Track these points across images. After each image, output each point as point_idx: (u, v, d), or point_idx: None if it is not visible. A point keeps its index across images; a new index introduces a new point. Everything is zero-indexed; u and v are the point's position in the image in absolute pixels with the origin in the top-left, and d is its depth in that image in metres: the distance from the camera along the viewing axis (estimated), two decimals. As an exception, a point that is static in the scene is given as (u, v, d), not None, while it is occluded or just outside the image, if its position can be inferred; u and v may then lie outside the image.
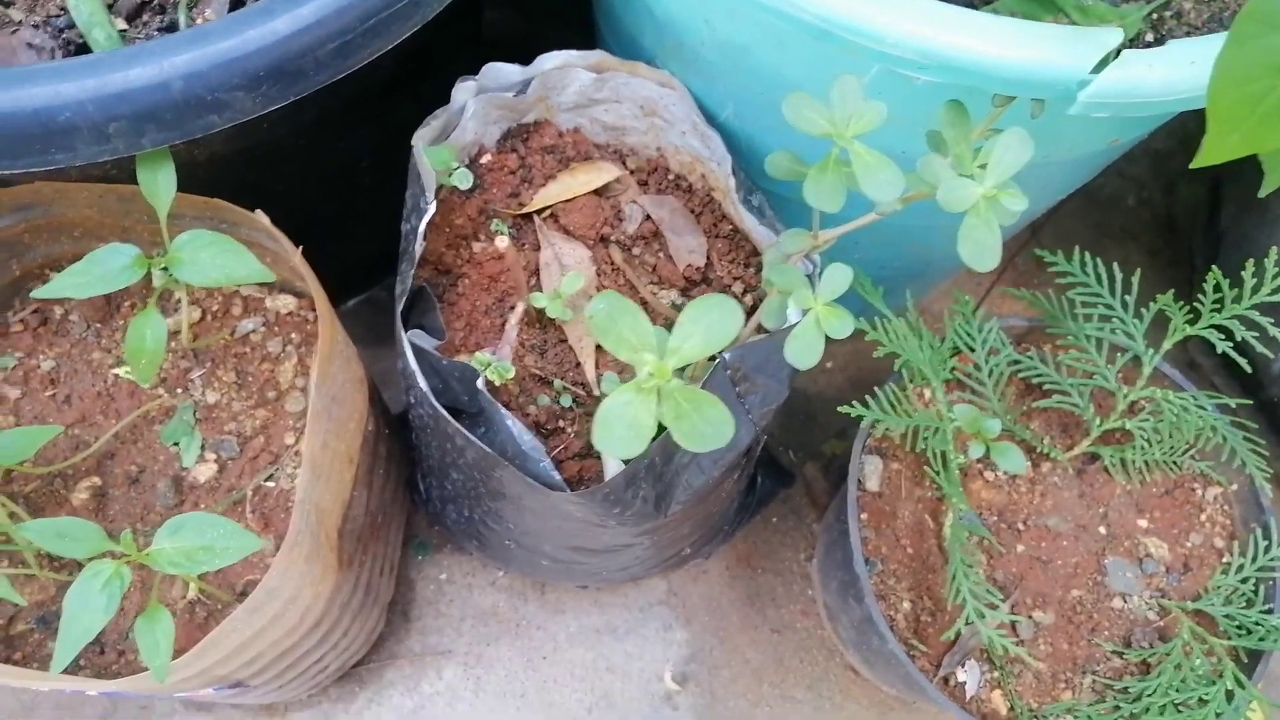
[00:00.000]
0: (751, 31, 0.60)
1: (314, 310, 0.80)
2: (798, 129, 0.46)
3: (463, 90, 0.69)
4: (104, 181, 0.68)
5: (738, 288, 0.78)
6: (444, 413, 0.61)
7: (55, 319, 0.77)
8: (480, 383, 0.62)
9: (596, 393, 0.73)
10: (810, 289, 0.56)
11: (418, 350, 0.63)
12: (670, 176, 0.80)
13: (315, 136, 0.74)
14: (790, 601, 1.05)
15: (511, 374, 0.65)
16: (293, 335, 0.79)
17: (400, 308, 0.63)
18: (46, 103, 0.52)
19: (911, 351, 0.75)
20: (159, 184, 0.58)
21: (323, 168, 0.80)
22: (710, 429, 0.43)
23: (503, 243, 0.67)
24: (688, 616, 1.03)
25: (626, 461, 0.62)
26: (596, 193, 0.78)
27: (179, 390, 0.76)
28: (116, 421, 0.74)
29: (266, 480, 0.74)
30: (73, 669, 0.67)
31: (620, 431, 0.46)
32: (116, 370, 0.76)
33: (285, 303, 0.79)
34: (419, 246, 0.64)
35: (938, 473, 0.75)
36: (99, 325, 0.77)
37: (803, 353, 0.52)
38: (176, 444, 0.74)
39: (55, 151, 0.55)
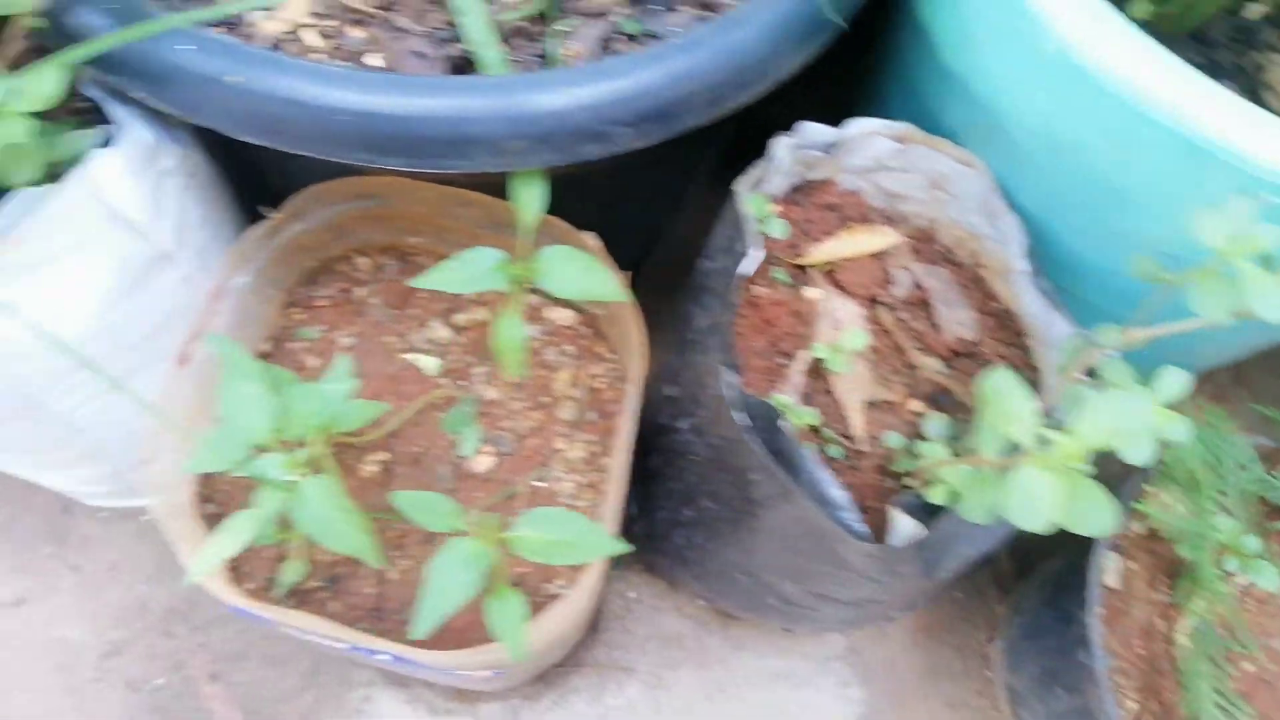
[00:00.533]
0: (1095, 133, 0.63)
1: (589, 327, 0.85)
2: (1196, 237, 0.48)
3: (780, 145, 0.73)
4: (445, 184, 0.74)
5: (1001, 366, 0.79)
6: (757, 446, 0.64)
7: (357, 299, 0.83)
8: (785, 425, 0.65)
9: (864, 448, 0.75)
10: (1136, 386, 0.57)
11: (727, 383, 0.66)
12: (938, 248, 0.83)
13: (627, 168, 0.79)
14: (967, 679, 1.04)
15: (811, 420, 0.68)
16: (568, 348, 0.83)
17: (716, 342, 0.67)
18: (461, 114, 0.58)
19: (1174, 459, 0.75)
20: (530, 199, 0.64)
21: (620, 196, 0.85)
22: (1093, 514, 0.45)
23: (814, 293, 0.70)
24: (865, 676, 1.03)
25: (928, 524, 0.64)
26: (871, 255, 0.81)
27: (461, 383, 0.82)
28: (402, 403, 0.80)
29: (536, 480, 0.78)
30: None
31: (1028, 503, 0.49)
32: (406, 355, 0.82)
33: (564, 316, 0.84)
34: (736, 288, 0.67)
35: (1189, 579, 0.75)
36: (395, 311, 0.83)
37: (1139, 451, 0.53)
38: (457, 432, 0.80)
39: (452, 158, 0.60)
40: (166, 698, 0.96)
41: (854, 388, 0.77)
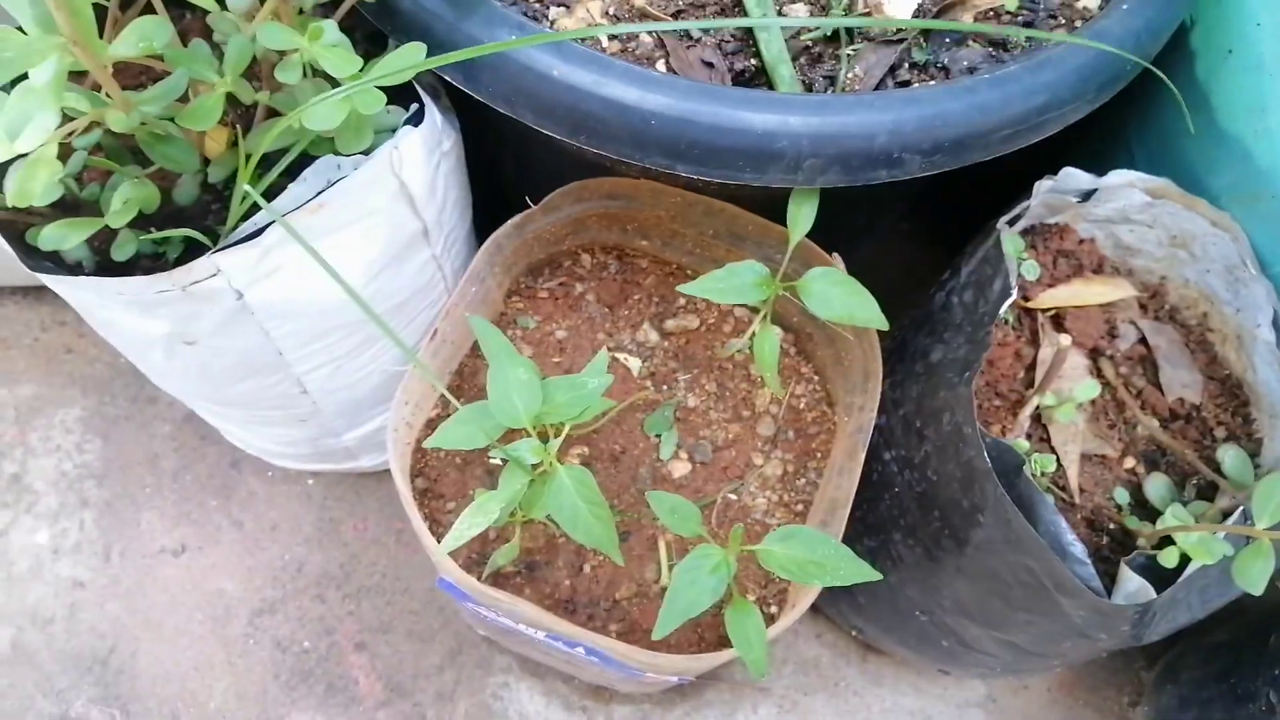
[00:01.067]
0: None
1: (796, 346, 0.85)
2: None
3: (1041, 188, 0.73)
4: (685, 188, 0.74)
5: (1220, 432, 0.78)
6: (997, 490, 0.63)
7: (575, 294, 0.84)
8: (1027, 471, 0.64)
9: (1076, 500, 0.74)
10: None
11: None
12: (1166, 307, 0.82)
13: (866, 194, 0.79)
14: (1104, 742, 1.02)
15: (1048, 467, 0.67)
16: (774, 364, 0.83)
17: (965, 379, 0.66)
18: (774, 129, 0.58)
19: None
20: (801, 217, 0.64)
21: (842, 215, 0.84)
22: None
23: (1064, 340, 0.69)
24: (1001, 727, 1.02)
25: (1158, 588, 0.63)
26: (1099, 305, 0.80)
27: (665, 387, 0.82)
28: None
29: (731, 493, 0.78)
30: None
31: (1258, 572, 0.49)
32: (614, 354, 0.82)
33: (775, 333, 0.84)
34: (990, 327, 0.67)
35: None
36: (608, 310, 0.84)
37: None
38: (657, 435, 0.80)
39: (748, 171, 0.61)
40: (313, 661, 0.97)
41: (1073, 439, 0.76)
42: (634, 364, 0.82)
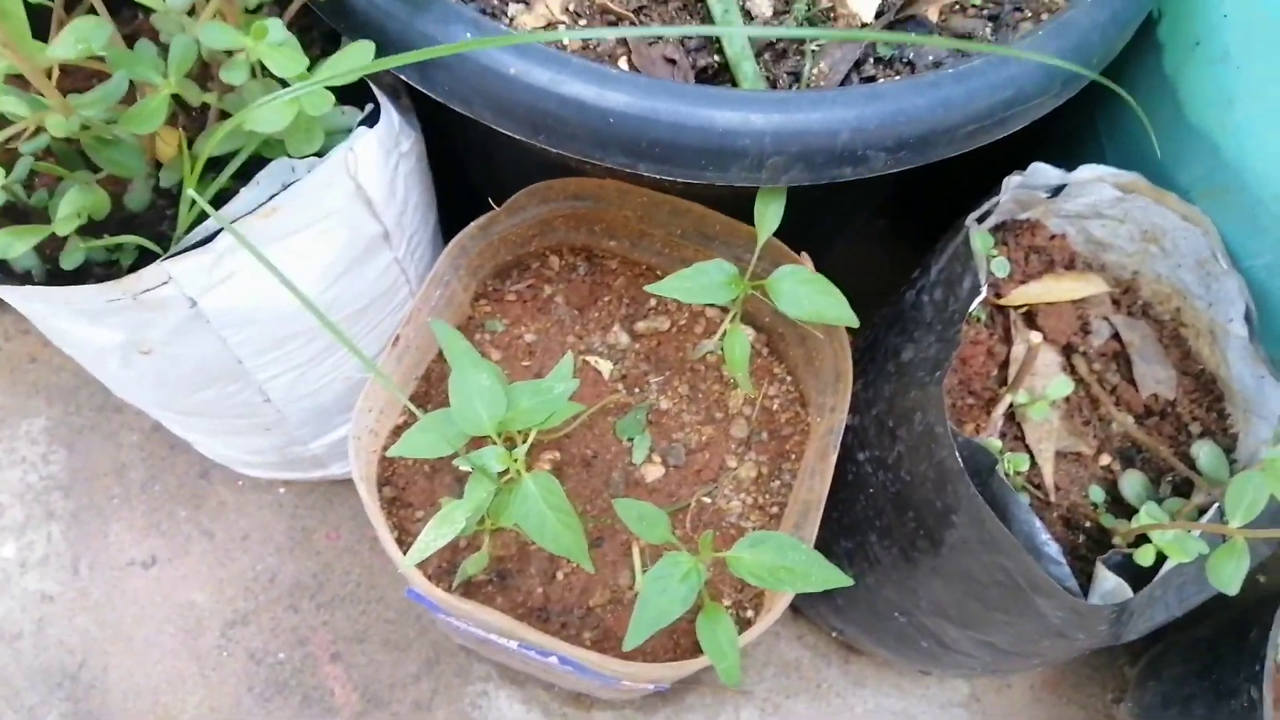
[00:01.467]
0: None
1: (769, 346, 0.84)
2: None
3: (1010, 184, 0.72)
4: (652, 188, 0.73)
5: (1195, 428, 0.77)
6: (970, 490, 0.62)
7: (543, 297, 0.82)
8: (1000, 471, 0.64)
9: (1051, 498, 0.73)
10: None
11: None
12: (1139, 302, 0.81)
13: (835, 193, 0.78)
14: (1088, 740, 1.02)
15: (1021, 466, 0.67)
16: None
17: (936, 378, 0.66)
18: (736, 126, 0.57)
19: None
20: (768, 215, 0.63)
21: (813, 214, 0.84)
22: None
23: (1036, 337, 0.69)
24: (984, 726, 1.01)
25: (1135, 586, 0.63)
26: (1071, 301, 0.79)
27: (636, 390, 0.81)
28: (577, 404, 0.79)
29: (705, 496, 0.77)
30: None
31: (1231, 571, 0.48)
32: (585, 357, 0.81)
33: (746, 333, 0.83)
34: (960, 325, 0.66)
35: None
36: (577, 312, 0.83)
37: None
38: (630, 439, 0.79)
39: (711, 169, 0.60)
40: (287, 672, 0.96)
41: (1048, 436, 0.76)
42: (605, 367, 0.81)
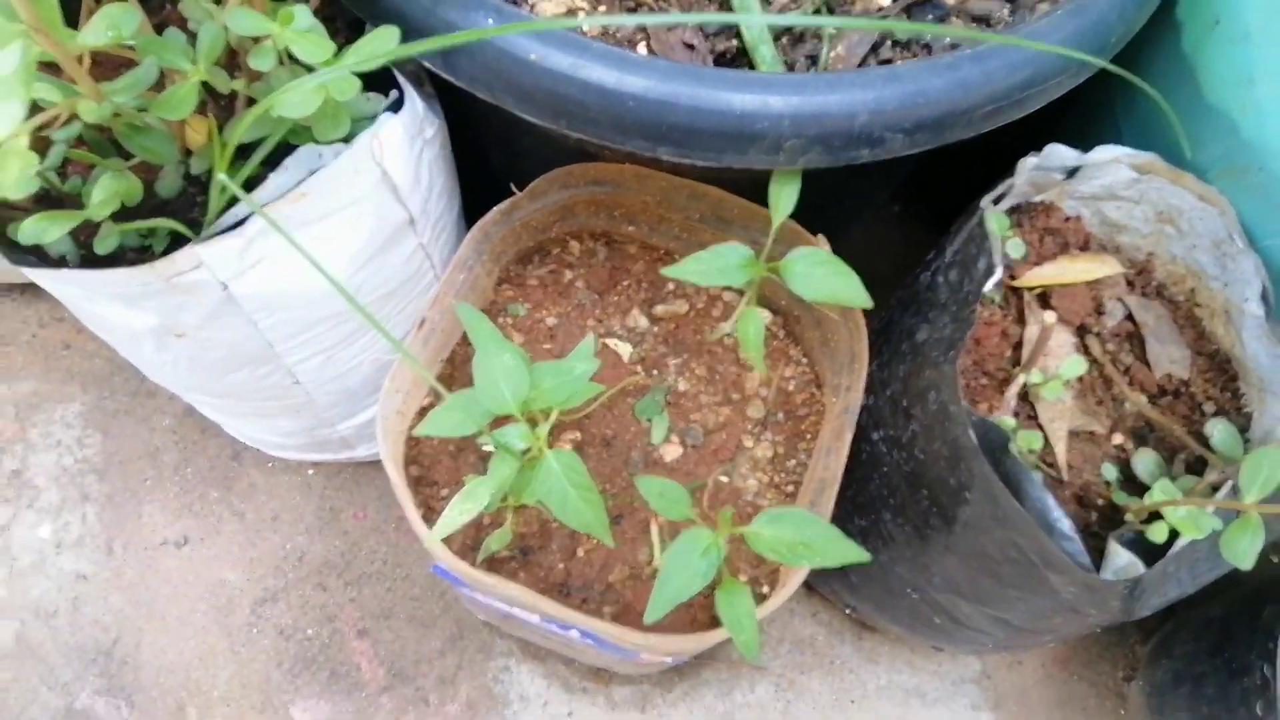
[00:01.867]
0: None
1: (784, 329, 0.85)
2: None
3: (1025, 166, 0.72)
4: (670, 172, 0.75)
5: (1209, 407, 0.78)
6: (985, 468, 0.63)
7: (564, 281, 0.84)
8: (1014, 449, 0.64)
9: (1065, 476, 0.74)
10: None
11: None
12: (1153, 283, 0.82)
13: (851, 175, 0.79)
14: (1101, 716, 1.03)
15: (1034, 444, 0.68)
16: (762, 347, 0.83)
17: (950, 358, 0.67)
18: (754, 109, 0.58)
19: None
20: (783, 198, 0.64)
21: (830, 198, 0.84)
22: None
23: (1050, 317, 0.69)
24: (996, 702, 1.03)
25: (1148, 563, 0.64)
26: (1085, 282, 0.80)
27: (655, 372, 0.82)
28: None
29: (722, 475, 0.79)
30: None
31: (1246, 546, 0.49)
32: (605, 340, 0.82)
33: (762, 315, 0.84)
34: (975, 306, 0.67)
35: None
36: (597, 296, 0.84)
37: None
38: (648, 420, 0.80)
39: (729, 152, 0.61)
40: (315, 648, 0.98)
41: (1061, 416, 0.76)
42: (624, 349, 0.82)
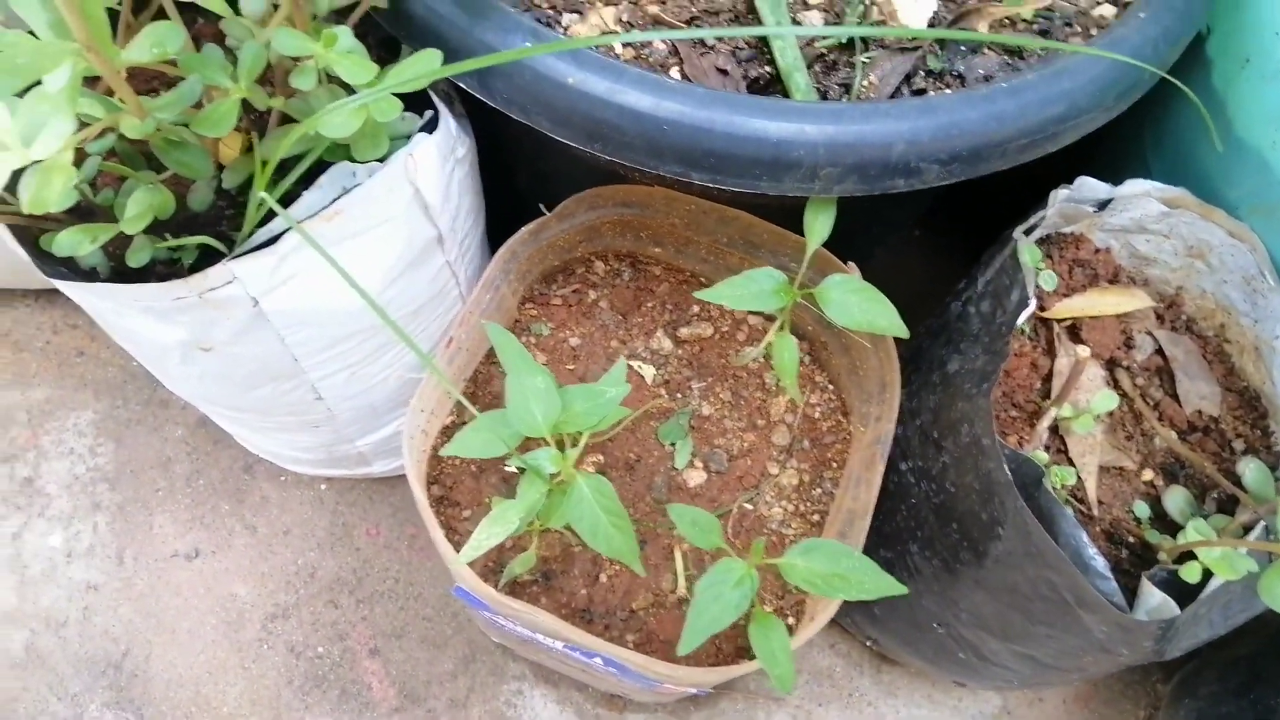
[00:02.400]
0: None
1: (810, 355, 0.84)
2: None
3: (1056, 198, 0.72)
4: (699, 195, 0.74)
5: (1239, 444, 0.77)
6: (1018, 502, 0.62)
7: (588, 302, 0.83)
8: (1047, 484, 0.64)
9: (1094, 512, 0.73)
10: None
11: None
12: (1183, 317, 0.81)
13: (880, 202, 0.78)
14: (1120, 755, 1.01)
15: (1067, 480, 0.67)
16: (788, 372, 0.83)
17: (983, 391, 0.66)
18: (791, 137, 0.58)
19: None
20: (818, 225, 0.64)
21: (857, 224, 0.84)
22: None
23: (1083, 351, 0.69)
24: (1015, 738, 1.01)
25: (1179, 602, 0.63)
26: (1115, 315, 0.79)
27: (678, 395, 0.81)
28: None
29: (746, 502, 0.78)
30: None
31: None
32: (630, 362, 0.82)
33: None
34: (1009, 338, 0.66)
35: None
36: (621, 317, 0.83)
37: None
38: (672, 444, 0.79)
39: (764, 179, 0.60)
40: (326, 667, 0.97)
41: (1091, 451, 0.76)
42: (648, 372, 0.82)
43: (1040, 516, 0.64)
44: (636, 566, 0.59)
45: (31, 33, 0.46)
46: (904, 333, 0.62)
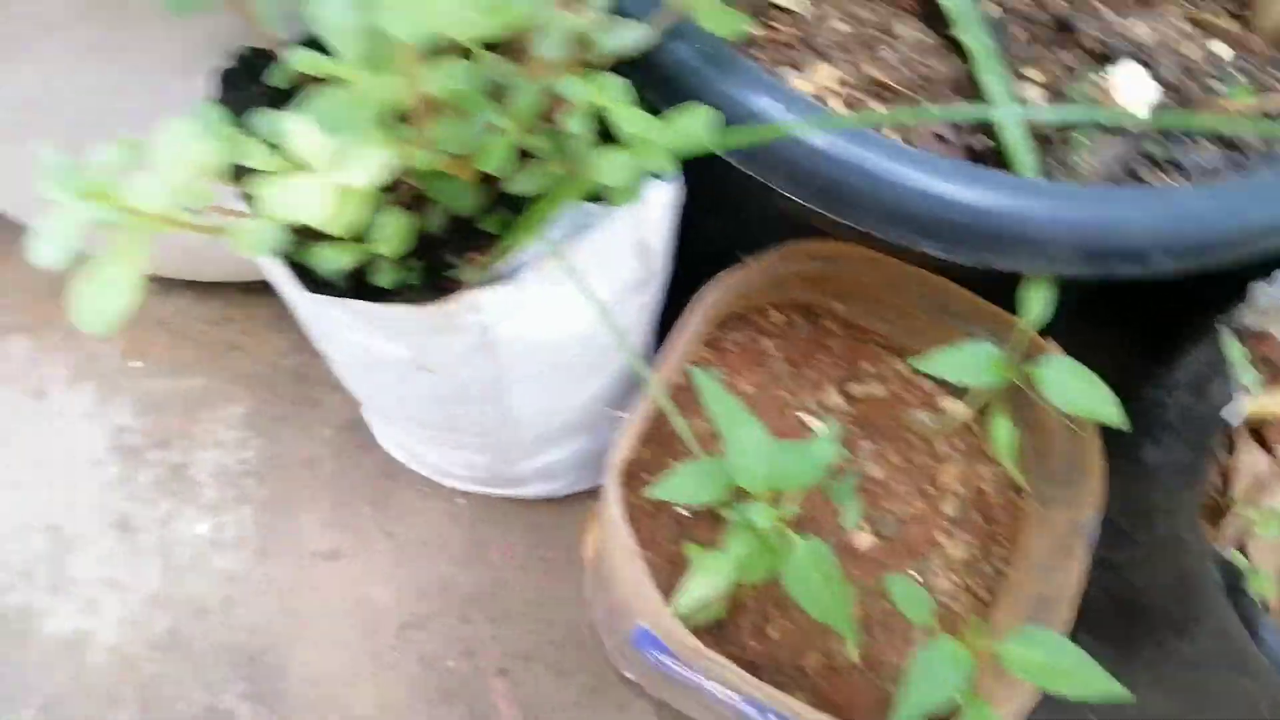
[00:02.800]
0: None
1: (981, 425, 0.84)
2: None
3: (1261, 292, 0.71)
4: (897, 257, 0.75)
5: None
6: (1230, 608, 0.61)
7: (760, 349, 0.84)
8: (1248, 588, 0.62)
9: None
10: None
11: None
12: (1374, 423, 0.79)
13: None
14: None
15: (1266, 587, 0.65)
16: (959, 442, 0.83)
17: (1187, 484, 0.65)
18: (1031, 214, 0.58)
19: None
20: (1035, 303, 0.63)
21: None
22: None
23: (1264, 463, 0.67)
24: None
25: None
26: (1300, 416, 0.78)
27: (846, 454, 0.82)
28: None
29: (914, 570, 0.77)
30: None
31: None
32: (799, 414, 0.82)
33: (958, 409, 0.83)
34: (1219, 436, 0.65)
35: None
36: (793, 369, 0.84)
37: None
38: (840, 503, 0.79)
39: (995, 254, 0.61)
40: (455, 681, 0.98)
41: (1274, 554, 0.74)
42: (818, 426, 0.82)
43: (1245, 623, 0.62)
44: (850, 635, 0.59)
45: (318, 48, 0.48)
46: (1124, 424, 0.61)
